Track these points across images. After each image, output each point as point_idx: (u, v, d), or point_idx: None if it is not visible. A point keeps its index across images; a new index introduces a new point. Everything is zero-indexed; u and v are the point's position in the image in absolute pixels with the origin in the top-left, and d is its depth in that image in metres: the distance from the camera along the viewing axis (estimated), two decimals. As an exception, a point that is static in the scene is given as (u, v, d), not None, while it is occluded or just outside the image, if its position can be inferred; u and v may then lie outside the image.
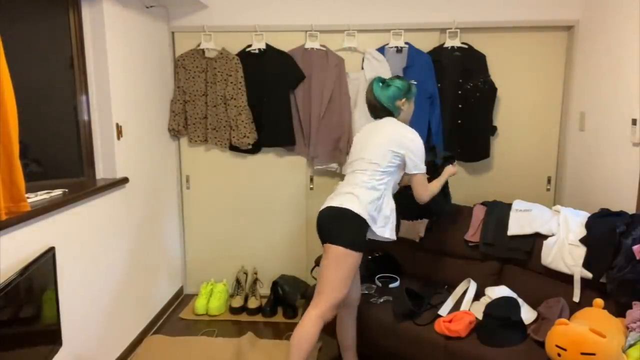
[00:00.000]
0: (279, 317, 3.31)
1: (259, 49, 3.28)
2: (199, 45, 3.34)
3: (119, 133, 2.70)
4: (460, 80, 3.23)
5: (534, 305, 2.32)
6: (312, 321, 2.12)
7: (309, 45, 3.26)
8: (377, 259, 2.86)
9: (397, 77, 2.37)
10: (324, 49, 3.27)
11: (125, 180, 2.72)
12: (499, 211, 2.63)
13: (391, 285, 2.69)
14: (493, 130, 3.32)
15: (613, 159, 2.65)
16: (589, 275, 2.19)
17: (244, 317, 3.32)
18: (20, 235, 1.90)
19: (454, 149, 3.31)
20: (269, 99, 3.30)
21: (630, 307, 2.01)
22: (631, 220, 2.17)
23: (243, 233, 3.61)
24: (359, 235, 2.15)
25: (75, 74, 2.55)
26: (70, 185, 2.36)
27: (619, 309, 2.08)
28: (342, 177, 3.35)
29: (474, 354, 2.09)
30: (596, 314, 2.02)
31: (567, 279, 2.29)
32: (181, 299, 3.62)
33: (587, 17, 3.03)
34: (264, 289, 3.58)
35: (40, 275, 1.80)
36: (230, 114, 3.31)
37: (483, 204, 2.76)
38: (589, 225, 2.29)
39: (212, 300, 3.36)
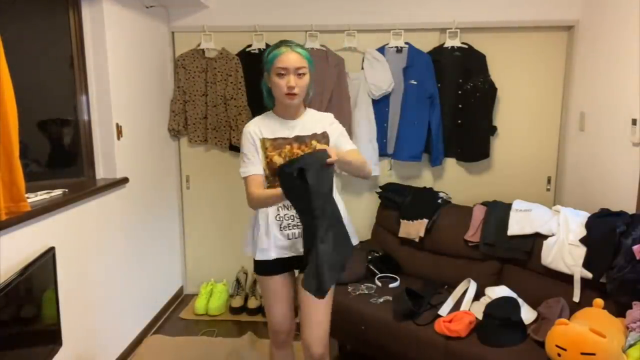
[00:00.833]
0: (279, 317, 3.31)
1: (259, 49, 3.28)
2: (199, 45, 3.33)
3: (119, 133, 2.70)
4: (460, 80, 3.22)
5: (534, 305, 2.32)
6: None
7: (309, 45, 3.25)
8: (377, 259, 2.85)
9: None
10: (324, 49, 3.26)
11: (125, 181, 2.72)
12: (499, 211, 2.63)
13: (391, 285, 2.69)
14: (493, 130, 3.32)
15: (613, 159, 2.65)
16: (589, 275, 2.19)
17: (244, 317, 3.32)
18: (20, 235, 1.90)
19: (454, 148, 3.32)
20: (269, 99, 3.30)
21: (630, 307, 2.01)
22: (631, 220, 2.17)
23: (243, 233, 3.59)
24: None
25: (75, 74, 2.55)
26: (70, 185, 2.35)
27: (619, 309, 2.07)
28: (342, 175, 3.35)
29: (474, 354, 2.09)
30: (596, 314, 2.02)
31: (567, 279, 2.29)
32: (181, 299, 3.62)
33: (587, 17, 3.03)
34: (264, 289, 3.58)
35: (40, 275, 1.80)
36: (230, 114, 3.31)
37: (483, 204, 2.76)
38: (589, 225, 2.28)
39: (212, 300, 3.36)
